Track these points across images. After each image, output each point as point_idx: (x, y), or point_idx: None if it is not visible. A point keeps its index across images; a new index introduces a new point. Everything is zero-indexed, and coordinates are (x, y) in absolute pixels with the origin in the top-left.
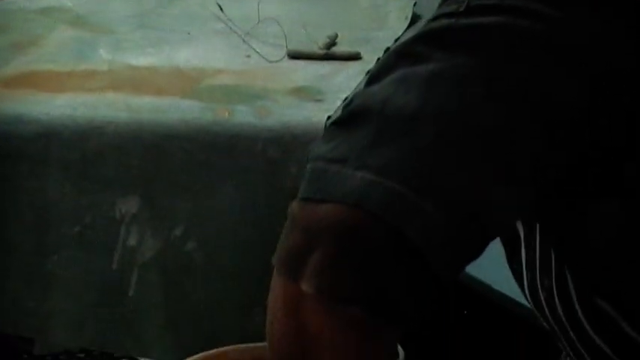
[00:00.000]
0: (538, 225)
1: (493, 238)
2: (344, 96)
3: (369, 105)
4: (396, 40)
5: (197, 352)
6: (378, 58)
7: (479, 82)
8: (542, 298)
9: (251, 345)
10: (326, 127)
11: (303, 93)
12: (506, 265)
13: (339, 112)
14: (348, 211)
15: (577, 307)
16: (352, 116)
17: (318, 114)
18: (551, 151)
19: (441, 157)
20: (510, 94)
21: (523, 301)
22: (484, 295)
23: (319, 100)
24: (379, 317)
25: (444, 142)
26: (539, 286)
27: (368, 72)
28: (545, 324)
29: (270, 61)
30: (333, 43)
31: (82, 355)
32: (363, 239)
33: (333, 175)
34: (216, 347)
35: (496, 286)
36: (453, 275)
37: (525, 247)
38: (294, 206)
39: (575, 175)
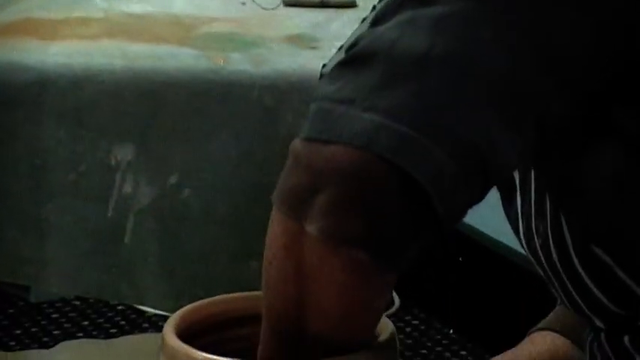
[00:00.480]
0: (533, 170)
1: (495, 184)
2: (339, 44)
3: (376, 46)
4: None
5: (192, 300)
6: (374, 6)
7: (488, 26)
8: (537, 244)
9: (246, 293)
10: (321, 75)
11: (299, 40)
12: (501, 212)
13: (336, 58)
14: (356, 153)
15: (572, 254)
16: (359, 57)
17: (313, 61)
18: (557, 95)
19: (449, 101)
20: (519, 37)
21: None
22: (479, 242)
23: (314, 48)
24: (382, 261)
25: (453, 85)
26: (534, 233)
27: (364, 19)
28: (540, 271)
29: (266, 9)
30: None
31: (77, 303)
32: (371, 182)
33: (340, 115)
34: (212, 295)
35: (491, 233)
36: (456, 221)
37: (521, 193)
38: (298, 145)
39: (576, 119)
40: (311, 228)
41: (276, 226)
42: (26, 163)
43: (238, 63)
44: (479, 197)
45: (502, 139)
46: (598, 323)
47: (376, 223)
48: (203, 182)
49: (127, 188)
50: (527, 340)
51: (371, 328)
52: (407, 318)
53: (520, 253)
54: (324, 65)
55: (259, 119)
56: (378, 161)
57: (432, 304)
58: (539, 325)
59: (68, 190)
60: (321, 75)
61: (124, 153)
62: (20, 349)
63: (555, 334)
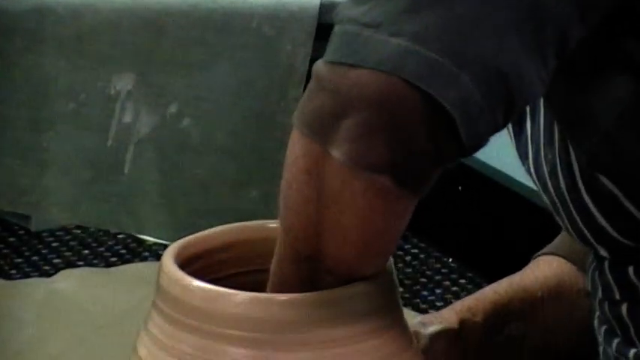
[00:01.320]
0: (542, 99)
1: (518, 113)
2: None
3: None
4: None
5: (192, 228)
6: None
7: None
8: (545, 171)
9: (247, 223)
10: (321, 4)
11: None
12: (502, 141)
13: None
14: (383, 78)
15: (579, 182)
16: None
17: None
18: (577, 18)
19: (477, 27)
20: None
21: (518, 176)
22: (479, 171)
23: None
24: (405, 187)
25: (480, 11)
26: (542, 160)
27: None
28: (546, 198)
29: None
30: None
31: (78, 231)
32: (398, 108)
33: (367, 39)
34: (212, 223)
35: (491, 162)
36: (478, 148)
37: (530, 121)
38: (322, 68)
39: (593, 48)
40: (336, 152)
41: (297, 148)
42: (26, 93)
43: None
44: (502, 125)
45: (528, 67)
46: (602, 253)
47: (402, 150)
48: (203, 111)
49: (127, 118)
50: (532, 264)
51: (388, 253)
52: (406, 247)
53: (520, 182)
54: None
55: (259, 48)
56: (405, 87)
57: (432, 233)
58: (545, 250)
59: (68, 120)
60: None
61: (123, 82)
62: (21, 278)
63: (561, 259)
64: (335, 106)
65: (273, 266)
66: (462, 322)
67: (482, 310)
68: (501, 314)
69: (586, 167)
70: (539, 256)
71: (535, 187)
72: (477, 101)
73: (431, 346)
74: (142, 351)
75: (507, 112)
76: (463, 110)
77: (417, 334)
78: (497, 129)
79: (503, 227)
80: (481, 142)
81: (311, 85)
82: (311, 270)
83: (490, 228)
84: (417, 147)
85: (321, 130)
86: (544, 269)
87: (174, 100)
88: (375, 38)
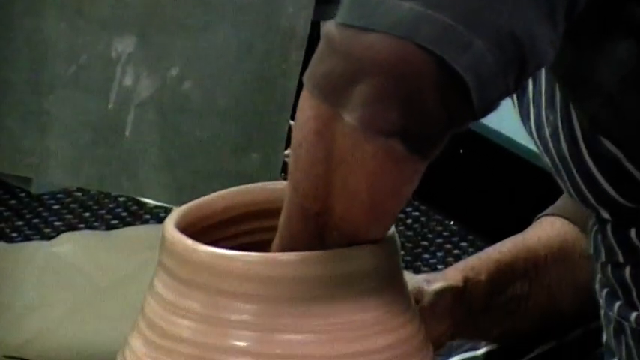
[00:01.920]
0: None
1: (528, 78)
2: None
3: None
4: None
5: (193, 192)
6: None
7: None
8: (546, 133)
9: (248, 186)
10: None
11: None
12: (503, 104)
13: None
14: (396, 42)
15: (581, 145)
16: None
17: None
18: None
19: None
20: None
21: (519, 139)
22: (480, 134)
23: None
24: (416, 152)
25: None
26: (544, 121)
27: None
28: (548, 160)
29: None
30: None
31: (79, 194)
32: (412, 73)
33: (380, 3)
34: (211, 187)
35: (492, 125)
36: (488, 112)
37: (532, 82)
38: (333, 30)
39: (600, 11)
40: (348, 117)
41: (307, 110)
42: (27, 55)
43: None
44: (513, 90)
45: (540, 31)
46: (604, 215)
47: (414, 115)
48: (204, 74)
49: (128, 80)
50: (535, 224)
51: (394, 215)
52: (408, 210)
53: (521, 145)
54: None
55: (260, 10)
56: (419, 52)
57: (433, 196)
58: (547, 211)
59: (69, 83)
60: None
61: (124, 45)
62: (22, 241)
63: (564, 220)
64: (347, 70)
65: (281, 223)
66: (466, 281)
67: (486, 269)
68: (505, 273)
69: (588, 129)
70: (541, 217)
71: (536, 149)
72: (490, 66)
73: (435, 303)
74: (149, 310)
75: (519, 77)
76: (476, 75)
77: (421, 290)
78: (508, 93)
79: (504, 190)
80: (492, 106)
81: (322, 46)
82: (319, 226)
83: (491, 191)
84: (430, 112)
85: (333, 93)
86: (547, 230)
87: (175, 63)
88: (389, 2)
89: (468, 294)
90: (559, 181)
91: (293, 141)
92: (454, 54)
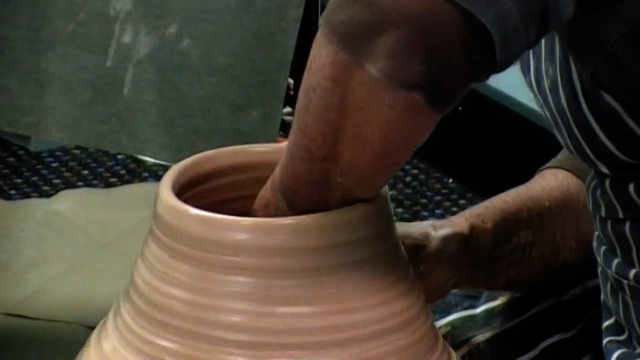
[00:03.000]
0: None
1: (548, 33)
2: None
3: None
4: None
5: (191, 150)
6: None
7: None
8: (546, 85)
9: (243, 146)
10: None
11: None
12: None
13: None
14: None
15: (581, 99)
16: None
17: None
18: None
19: None
20: None
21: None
22: (479, 91)
23: None
24: (437, 105)
25: None
26: (543, 74)
27: None
28: (547, 114)
29: None
30: None
31: (77, 152)
32: (438, 26)
33: None
34: (210, 145)
35: (491, 82)
36: (508, 66)
37: None
38: None
39: None
40: (371, 67)
41: (324, 56)
42: (25, 13)
43: None
44: (533, 44)
45: None
46: (603, 169)
47: (438, 68)
48: (202, 32)
49: (126, 38)
50: (538, 176)
51: (398, 168)
52: (406, 167)
53: (520, 103)
54: None
55: None
56: (446, 4)
57: (432, 154)
58: (550, 164)
59: (67, 40)
60: None
61: (122, 3)
62: (20, 198)
63: (567, 172)
64: (370, 20)
65: (282, 164)
66: (472, 228)
67: (491, 218)
68: (510, 222)
69: (588, 84)
70: (544, 169)
71: (536, 105)
72: (515, 20)
73: (441, 249)
74: (139, 279)
75: (540, 32)
76: (501, 28)
77: (427, 236)
78: (528, 48)
79: (503, 148)
80: (513, 60)
81: None
82: (323, 170)
83: (490, 148)
84: (454, 65)
85: (353, 42)
86: (550, 181)
87: (173, 21)
88: None
89: (474, 241)
90: (558, 135)
91: (305, 85)
92: (481, 7)
